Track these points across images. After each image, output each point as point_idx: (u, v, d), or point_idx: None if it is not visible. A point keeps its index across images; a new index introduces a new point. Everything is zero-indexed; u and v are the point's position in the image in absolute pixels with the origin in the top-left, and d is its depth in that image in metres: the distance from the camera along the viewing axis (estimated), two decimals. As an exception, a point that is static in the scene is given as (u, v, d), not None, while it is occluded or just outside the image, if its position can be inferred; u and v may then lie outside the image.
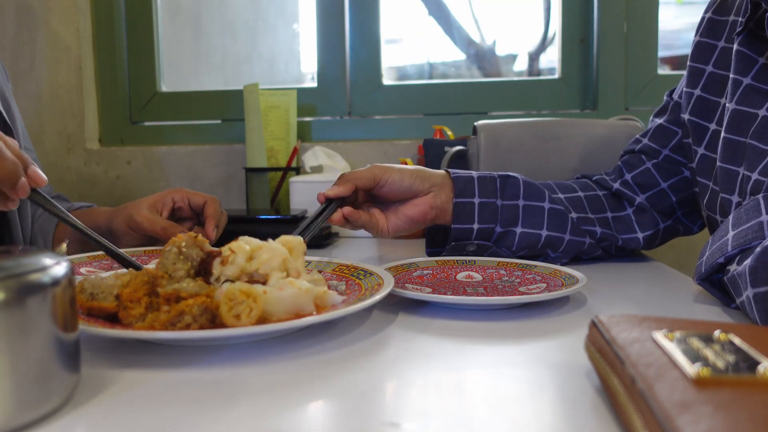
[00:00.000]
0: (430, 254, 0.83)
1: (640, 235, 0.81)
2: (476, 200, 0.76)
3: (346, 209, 0.73)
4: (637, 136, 0.85)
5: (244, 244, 0.52)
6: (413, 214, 0.76)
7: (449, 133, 1.23)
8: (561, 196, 0.81)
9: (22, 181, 0.56)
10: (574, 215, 0.79)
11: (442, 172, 0.78)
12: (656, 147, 0.81)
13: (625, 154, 0.86)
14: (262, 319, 0.47)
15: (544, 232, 0.77)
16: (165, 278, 0.49)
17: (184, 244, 0.51)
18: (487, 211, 0.77)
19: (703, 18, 0.75)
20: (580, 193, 0.82)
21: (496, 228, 0.77)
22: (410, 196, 0.76)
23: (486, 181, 0.78)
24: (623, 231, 0.81)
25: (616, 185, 0.83)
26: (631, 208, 0.82)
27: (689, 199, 0.80)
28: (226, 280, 0.50)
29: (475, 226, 0.76)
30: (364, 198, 0.78)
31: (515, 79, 1.51)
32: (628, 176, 0.83)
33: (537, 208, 0.78)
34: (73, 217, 0.63)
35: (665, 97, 0.83)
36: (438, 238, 0.83)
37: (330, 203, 0.74)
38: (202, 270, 0.51)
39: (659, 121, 0.82)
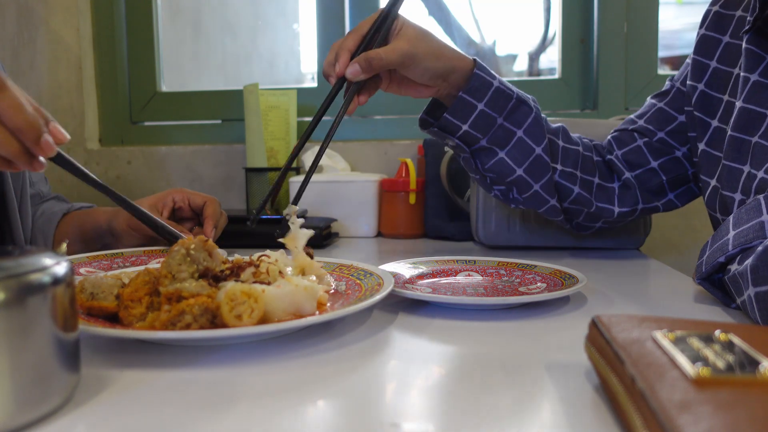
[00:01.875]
0: (422, 124, 0.80)
1: (616, 209, 0.81)
2: (480, 106, 0.74)
3: (363, 98, 0.72)
4: (632, 116, 0.85)
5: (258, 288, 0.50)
6: (413, 94, 0.76)
7: (449, 133, 1.23)
8: (560, 143, 0.80)
9: (46, 136, 0.51)
10: (558, 167, 0.79)
11: (467, 65, 0.74)
12: (652, 128, 0.81)
13: (617, 131, 0.86)
14: (262, 319, 0.47)
15: (519, 171, 0.77)
16: (168, 278, 0.49)
17: (193, 246, 0.51)
18: (483, 122, 0.75)
19: (708, 11, 0.75)
20: (580, 149, 0.82)
21: (482, 140, 0.76)
22: (420, 83, 0.74)
23: (500, 97, 0.74)
24: (602, 200, 0.81)
25: (609, 156, 0.83)
26: (618, 183, 0.82)
27: (679, 178, 0.81)
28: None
29: (465, 127, 0.75)
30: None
31: (515, 79, 1.50)
32: (618, 152, 0.83)
33: (528, 147, 0.77)
34: (103, 183, 0.63)
35: (667, 82, 0.83)
36: (437, 112, 0.81)
37: (342, 83, 0.70)
38: (208, 276, 0.51)
39: (659, 104, 0.82)
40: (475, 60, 0.75)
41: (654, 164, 0.81)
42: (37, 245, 0.93)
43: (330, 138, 0.70)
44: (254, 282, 0.51)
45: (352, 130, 1.41)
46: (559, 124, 0.82)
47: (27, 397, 0.33)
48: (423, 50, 0.70)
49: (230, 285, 0.47)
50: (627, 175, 0.81)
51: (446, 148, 1.10)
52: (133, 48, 1.47)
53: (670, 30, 1.69)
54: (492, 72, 0.76)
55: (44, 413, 0.34)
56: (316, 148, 1.27)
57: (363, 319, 0.56)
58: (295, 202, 0.66)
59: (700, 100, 0.73)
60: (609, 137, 0.85)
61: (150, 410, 0.36)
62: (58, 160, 0.59)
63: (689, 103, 0.75)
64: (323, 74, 0.73)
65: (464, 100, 0.73)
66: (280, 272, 0.53)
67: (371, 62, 0.69)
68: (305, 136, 0.70)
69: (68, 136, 0.56)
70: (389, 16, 0.72)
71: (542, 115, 0.78)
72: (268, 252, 0.59)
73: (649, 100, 0.84)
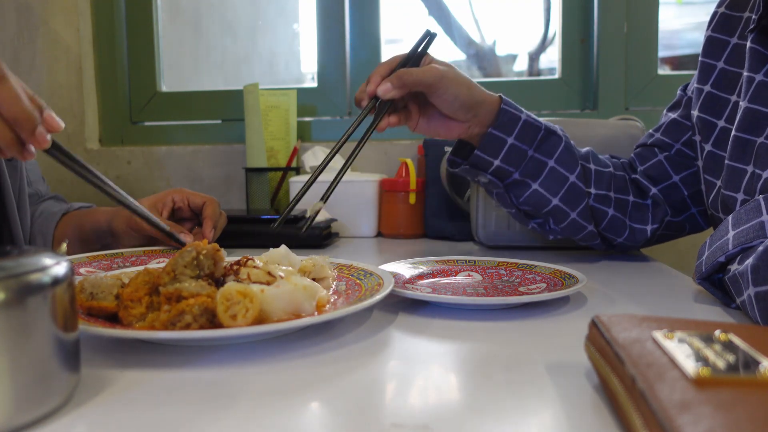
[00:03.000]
0: (451, 164, 0.81)
1: (649, 228, 0.81)
2: (510, 140, 0.75)
3: (393, 119, 0.73)
4: (650, 131, 0.86)
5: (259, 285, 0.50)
6: (443, 133, 0.76)
7: (449, 133, 1.23)
8: (592, 167, 0.80)
9: (40, 129, 0.52)
10: (593, 191, 0.79)
11: (494, 101, 0.75)
12: (668, 141, 0.81)
13: (638, 147, 0.86)
14: (261, 319, 0.47)
15: (555, 201, 0.77)
16: (170, 276, 0.49)
17: (204, 252, 0.51)
18: (514, 155, 0.75)
19: (715, 12, 0.75)
20: (611, 170, 0.82)
21: (515, 173, 0.76)
22: (450, 116, 0.74)
23: (529, 129, 0.75)
24: (637, 220, 0.81)
25: (634, 174, 0.83)
26: (649, 200, 0.82)
27: (701, 193, 0.80)
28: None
29: (497, 162, 0.75)
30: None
31: (515, 79, 1.51)
32: (640, 168, 0.83)
33: (562, 176, 0.77)
34: (97, 175, 0.62)
35: (679, 92, 0.83)
36: (463, 151, 0.82)
37: (373, 105, 0.71)
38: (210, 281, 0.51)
39: (673, 115, 0.82)
40: (500, 96, 0.76)
41: (676, 178, 0.81)
42: (37, 245, 0.93)
43: (356, 153, 0.72)
44: (254, 282, 0.50)
45: (352, 130, 1.41)
46: (588, 149, 0.82)
47: (27, 397, 0.33)
48: (453, 76, 0.72)
49: (227, 284, 0.47)
50: (653, 190, 0.81)
51: (446, 148, 1.10)
52: (133, 48, 1.47)
53: (671, 30, 1.69)
54: (518, 106, 0.76)
55: (44, 413, 0.34)
56: (317, 148, 1.27)
57: (363, 319, 0.56)
58: (325, 199, 0.68)
59: (706, 102, 0.73)
60: (632, 154, 0.85)
61: (150, 410, 0.36)
62: (54, 151, 0.57)
63: (695, 107, 0.75)
64: (355, 101, 0.74)
65: (494, 136, 0.74)
66: (269, 272, 0.53)
67: (402, 78, 0.70)
68: (331, 154, 0.71)
69: (62, 125, 0.55)
70: (419, 51, 0.74)
71: (572, 143, 0.79)
72: (271, 250, 0.59)
73: (665, 113, 0.84)
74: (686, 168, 0.80)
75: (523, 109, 0.76)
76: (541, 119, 0.78)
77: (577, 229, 0.79)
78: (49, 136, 0.54)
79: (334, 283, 0.61)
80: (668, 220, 0.82)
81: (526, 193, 0.77)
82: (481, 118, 0.74)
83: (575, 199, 0.78)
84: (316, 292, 0.51)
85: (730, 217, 0.59)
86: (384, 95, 0.70)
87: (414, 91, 0.72)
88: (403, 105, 0.76)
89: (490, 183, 0.78)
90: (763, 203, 0.56)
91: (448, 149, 1.07)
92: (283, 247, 0.60)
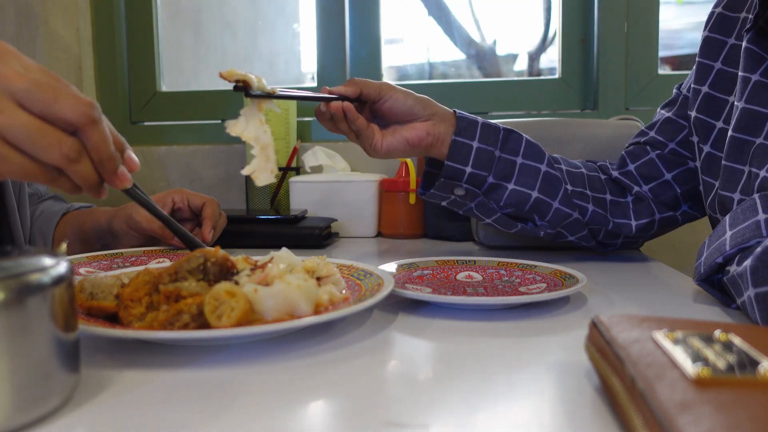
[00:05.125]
0: (421, 194, 0.83)
1: (633, 223, 0.81)
2: (475, 144, 0.76)
3: (347, 104, 0.74)
4: (643, 128, 0.85)
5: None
6: (410, 136, 0.76)
7: (449, 133, 1.23)
8: (563, 167, 0.81)
9: (122, 168, 0.52)
10: (569, 187, 0.80)
11: (447, 110, 0.78)
12: (662, 140, 0.81)
13: (630, 145, 0.86)
14: (255, 319, 0.47)
15: (535, 194, 0.78)
16: (171, 278, 0.49)
17: (214, 260, 0.51)
18: (483, 158, 0.77)
19: (712, 13, 0.75)
20: (583, 170, 0.83)
21: (488, 178, 0.77)
22: (410, 118, 0.76)
23: (489, 129, 0.78)
24: (618, 215, 0.81)
25: (616, 173, 0.83)
26: (630, 197, 0.82)
27: (694, 190, 0.80)
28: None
29: (468, 169, 0.76)
30: (367, 115, 0.78)
31: (515, 79, 1.51)
32: (631, 166, 0.83)
33: (533, 168, 0.78)
34: (168, 219, 0.64)
35: (674, 90, 0.83)
36: (433, 182, 0.83)
37: (330, 100, 0.74)
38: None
39: (667, 113, 0.82)
40: (453, 110, 0.79)
41: (668, 176, 0.81)
42: (37, 245, 0.93)
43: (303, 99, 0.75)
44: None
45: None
46: (555, 155, 0.84)
47: (27, 397, 0.33)
48: (398, 87, 0.77)
49: (218, 284, 0.47)
50: (638, 189, 0.81)
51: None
52: (133, 48, 1.47)
53: (671, 30, 1.69)
54: (472, 115, 0.79)
55: (44, 413, 0.34)
56: (317, 148, 1.27)
57: (363, 319, 0.56)
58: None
59: (704, 103, 0.73)
60: (623, 152, 0.85)
61: (150, 410, 0.36)
62: (133, 190, 0.58)
63: (692, 108, 0.74)
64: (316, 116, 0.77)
65: (459, 143, 0.76)
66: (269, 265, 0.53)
67: (353, 79, 0.75)
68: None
69: (139, 164, 0.56)
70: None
71: (532, 139, 0.80)
72: (272, 253, 0.59)
73: (659, 111, 0.84)
74: (680, 165, 0.80)
75: (477, 117, 0.79)
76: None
77: (563, 217, 0.79)
78: (129, 177, 0.55)
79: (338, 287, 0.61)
80: (660, 215, 0.81)
81: (504, 195, 0.78)
82: (442, 116, 0.77)
83: (552, 187, 0.78)
84: (313, 292, 0.50)
85: (727, 217, 0.59)
86: (337, 91, 0.74)
87: (365, 94, 0.75)
88: (365, 125, 0.77)
89: (468, 194, 0.78)
90: (759, 202, 0.56)
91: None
92: (284, 249, 0.60)
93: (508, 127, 0.79)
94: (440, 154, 0.78)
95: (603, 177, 0.84)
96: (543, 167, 0.78)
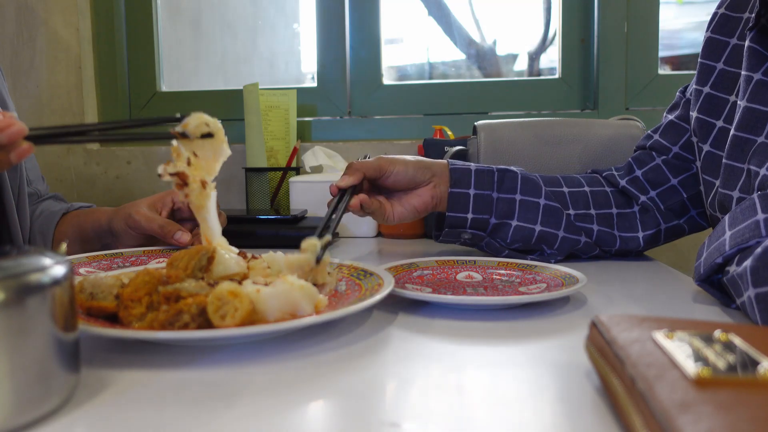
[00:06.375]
0: (436, 238, 0.85)
1: (640, 235, 0.81)
2: (471, 191, 0.79)
3: (362, 196, 0.76)
4: (649, 131, 0.86)
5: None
6: (416, 204, 0.79)
7: (449, 133, 1.23)
8: (565, 190, 0.82)
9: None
10: (571, 212, 0.80)
11: (443, 162, 0.81)
12: (666, 144, 0.81)
13: (637, 149, 0.86)
14: (255, 319, 0.47)
15: (538, 227, 0.79)
16: (186, 273, 0.51)
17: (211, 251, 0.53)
18: (481, 203, 0.79)
19: (715, 13, 0.75)
20: (587, 188, 0.83)
21: (490, 219, 0.79)
22: (413, 186, 0.79)
23: (483, 174, 0.80)
24: (625, 229, 0.82)
25: (623, 182, 0.83)
26: (637, 207, 0.83)
27: (701, 195, 0.80)
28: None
29: (470, 215, 0.79)
30: (368, 188, 0.81)
31: (515, 79, 1.51)
32: (638, 172, 0.83)
33: (532, 203, 0.79)
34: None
35: (678, 93, 0.83)
36: (440, 224, 0.85)
37: (343, 193, 0.76)
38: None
39: (671, 117, 0.82)
40: (446, 160, 0.81)
41: (674, 181, 0.81)
42: (36, 245, 0.93)
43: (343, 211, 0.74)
44: (254, 282, 0.50)
45: (352, 130, 1.41)
46: (555, 176, 0.84)
47: (27, 397, 0.33)
48: (391, 157, 0.79)
49: (221, 284, 0.47)
50: (643, 198, 0.82)
51: (446, 148, 1.10)
52: (133, 48, 1.47)
53: (671, 30, 1.69)
54: (463, 162, 0.81)
55: (44, 413, 0.34)
56: (317, 148, 1.27)
57: (363, 319, 0.56)
58: (321, 235, 0.61)
59: (706, 102, 0.73)
60: (630, 159, 0.86)
61: (150, 410, 0.36)
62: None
63: (694, 109, 0.75)
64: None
65: (456, 194, 0.79)
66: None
67: (352, 165, 0.78)
68: (323, 226, 0.67)
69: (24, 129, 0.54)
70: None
71: (528, 174, 0.82)
72: (270, 252, 0.59)
73: (665, 115, 0.85)
74: (685, 171, 0.81)
75: (469, 163, 0.81)
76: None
77: (571, 244, 0.80)
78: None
79: (337, 283, 0.61)
80: (666, 225, 0.82)
81: (509, 232, 0.80)
82: (440, 175, 0.80)
83: (554, 217, 0.79)
84: (314, 292, 0.51)
85: (726, 217, 0.59)
86: (342, 183, 0.76)
87: (368, 177, 0.78)
88: (378, 204, 0.79)
89: (474, 236, 0.81)
90: (758, 201, 0.55)
91: (449, 149, 1.07)
92: (279, 252, 0.60)
93: (502, 167, 0.81)
94: (445, 209, 0.80)
95: (609, 189, 0.84)
96: (542, 201, 0.80)
